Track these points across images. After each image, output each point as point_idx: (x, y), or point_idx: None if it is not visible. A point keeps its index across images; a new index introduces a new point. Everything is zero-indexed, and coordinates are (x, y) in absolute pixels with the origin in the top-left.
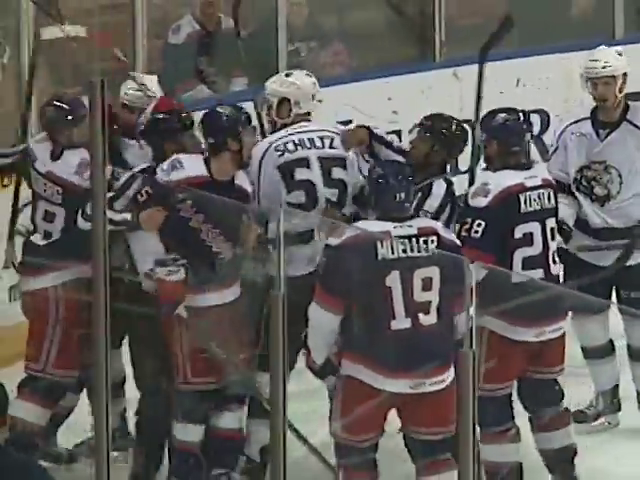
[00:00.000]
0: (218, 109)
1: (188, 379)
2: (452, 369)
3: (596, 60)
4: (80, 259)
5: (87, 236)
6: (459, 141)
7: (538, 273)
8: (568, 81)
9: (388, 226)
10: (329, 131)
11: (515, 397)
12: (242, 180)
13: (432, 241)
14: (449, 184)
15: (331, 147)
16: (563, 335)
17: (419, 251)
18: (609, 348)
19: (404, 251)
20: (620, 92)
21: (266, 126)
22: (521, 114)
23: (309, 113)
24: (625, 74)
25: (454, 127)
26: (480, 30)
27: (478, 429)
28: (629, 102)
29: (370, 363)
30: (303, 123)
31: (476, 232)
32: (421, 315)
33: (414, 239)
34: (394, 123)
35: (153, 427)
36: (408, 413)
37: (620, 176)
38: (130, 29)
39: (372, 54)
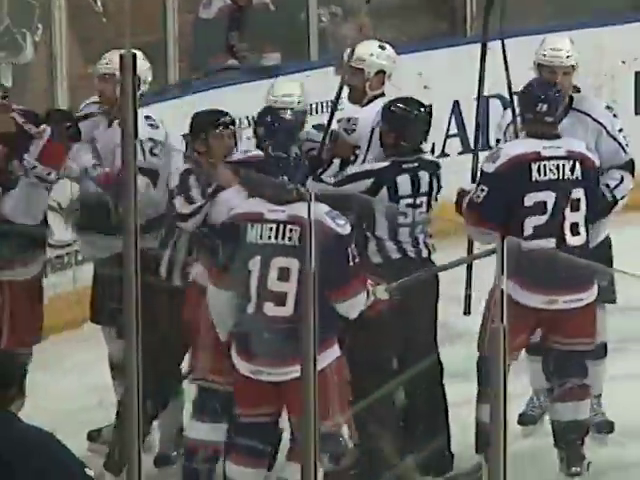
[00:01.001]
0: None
1: None
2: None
3: (560, 49)
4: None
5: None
6: (410, 123)
7: (550, 242)
8: (599, 56)
9: (262, 207)
10: None
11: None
12: None
13: (296, 231)
14: (415, 168)
15: None
16: (587, 307)
17: (283, 239)
18: None
19: (269, 237)
20: (572, 82)
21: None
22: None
23: None
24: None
25: (406, 110)
26: (511, 4)
27: (476, 390)
28: (572, 94)
29: (237, 346)
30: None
31: (478, 197)
32: (270, 304)
33: (282, 226)
34: (425, 99)
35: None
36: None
37: None
38: (161, 3)
39: (403, 29)
